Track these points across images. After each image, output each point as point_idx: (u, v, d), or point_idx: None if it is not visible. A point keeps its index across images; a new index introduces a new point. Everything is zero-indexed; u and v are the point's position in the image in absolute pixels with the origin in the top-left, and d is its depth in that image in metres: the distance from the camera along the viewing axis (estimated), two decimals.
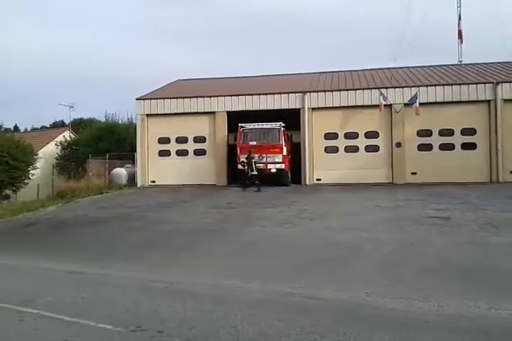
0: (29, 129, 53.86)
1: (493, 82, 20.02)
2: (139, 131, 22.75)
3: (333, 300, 5.55)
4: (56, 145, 30.13)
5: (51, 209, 15.56)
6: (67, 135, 31.98)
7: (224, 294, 5.98)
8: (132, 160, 23.39)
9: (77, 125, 37.29)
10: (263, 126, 20.00)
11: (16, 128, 55.78)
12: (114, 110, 60.37)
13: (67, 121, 39.99)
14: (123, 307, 5.55)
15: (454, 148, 20.19)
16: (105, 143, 26.74)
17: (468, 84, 20.38)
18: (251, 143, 19.53)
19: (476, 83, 20.33)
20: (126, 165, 23.63)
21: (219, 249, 8.77)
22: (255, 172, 18.46)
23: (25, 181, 23.81)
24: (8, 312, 5.53)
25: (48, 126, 54.45)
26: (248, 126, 20.06)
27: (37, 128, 52.33)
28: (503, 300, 5.26)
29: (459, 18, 27.42)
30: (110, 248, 9.41)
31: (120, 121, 32.16)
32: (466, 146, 20.11)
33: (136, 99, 22.97)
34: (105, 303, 5.77)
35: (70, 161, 28.63)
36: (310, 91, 21.43)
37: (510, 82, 20.09)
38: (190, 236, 10.02)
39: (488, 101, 19.88)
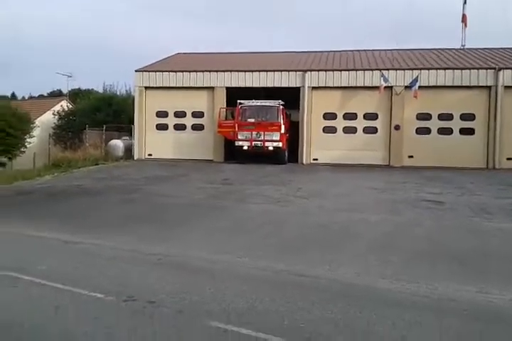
0: (26, 97, 53.35)
1: (495, 68, 19.88)
2: (136, 104, 22.56)
3: (323, 279, 5.62)
4: (53, 114, 29.88)
5: (47, 179, 15.56)
6: (64, 104, 31.66)
7: (216, 268, 6.05)
8: (129, 132, 23.27)
9: (75, 95, 36.90)
10: (262, 104, 19.89)
11: (13, 95, 55.10)
12: (113, 81, 59.71)
13: (64, 91, 39.60)
14: (116, 277, 5.62)
15: (452, 133, 20.19)
16: (102, 114, 26.48)
17: (469, 69, 20.23)
18: (249, 120, 19.46)
19: (478, 68, 20.18)
20: (123, 138, 23.51)
21: (212, 224, 8.83)
22: None
23: (22, 149, 23.74)
24: (0, 278, 5.59)
25: (45, 94, 53.94)
26: (247, 102, 19.93)
27: (34, 97, 51.83)
28: (491, 285, 5.34)
29: (464, 2, 26.99)
30: (105, 219, 9.45)
31: (118, 93, 31.83)
32: (464, 131, 20.11)
33: (136, 71, 22.70)
34: (98, 273, 5.83)
35: (67, 131, 28.40)
36: (311, 70, 21.23)
37: (511, 68, 19.96)
38: (184, 211, 10.08)
39: (489, 87, 19.79)
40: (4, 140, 22.29)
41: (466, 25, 26.44)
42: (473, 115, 20.08)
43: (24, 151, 23.75)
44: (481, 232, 8.09)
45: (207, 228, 8.51)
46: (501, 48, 24.29)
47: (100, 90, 33.81)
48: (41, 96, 50.96)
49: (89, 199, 11.71)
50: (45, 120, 29.28)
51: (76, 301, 4.80)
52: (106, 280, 5.48)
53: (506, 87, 19.61)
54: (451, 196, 11.66)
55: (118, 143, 22.64)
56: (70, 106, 31.81)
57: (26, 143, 23.81)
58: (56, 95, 44.92)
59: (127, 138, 23.46)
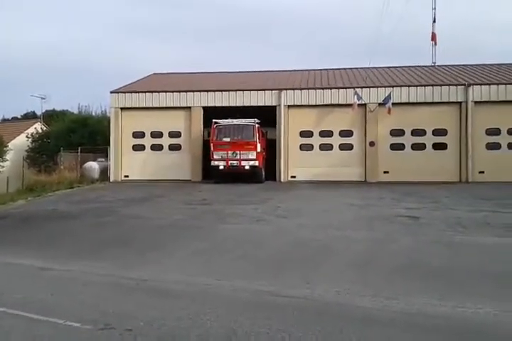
0: None
1: (464, 84, 20.47)
2: (112, 125, 22.44)
3: (303, 298, 5.60)
4: (27, 137, 29.48)
5: (20, 203, 15.25)
6: (38, 127, 31.31)
7: (195, 292, 5.97)
8: (105, 154, 23.05)
9: (49, 117, 36.48)
10: (237, 123, 19.95)
11: None
12: (88, 102, 59.28)
13: (38, 113, 39.18)
14: (92, 304, 5.49)
15: (425, 148, 20.61)
16: (77, 136, 26.15)
17: (440, 85, 20.81)
18: (224, 139, 19.48)
19: (449, 85, 20.78)
20: (98, 159, 23.27)
21: (190, 246, 8.74)
22: None
23: None
24: None
25: (19, 117, 53.19)
26: (222, 122, 20.00)
27: (8, 119, 51.00)
28: (467, 299, 5.40)
29: (434, 21, 27.90)
30: (80, 244, 9.28)
31: (94, 114, 31.57)
32: (437, 146, 20.55)
33: (111, 92, 22.65)
34: (74, 301, 5.69)
35: (41, 154, 28.02)
36: (286, 89, 21.50)
37: (481, 84, 20.59)
38: (162, 233, 9.97)
39: (460, 102, 20.35)
40: None
41: (436, 43, 27.28)
42: (446, 130, 20.56)
43: None
44: (456, 246, 8.19)
45: (185, 250, 8.42)
46: (470, 65, 25.11)
47: (75, 111, 33.50)
48: (15, 119, 50.22)
49: (63, 223, 11.49)
50: (19, 143, 28.85)
51: (52, 332, 4.66)
52: (82, 308, 5.35)
53: (476, 103, 20.18)
54: (426, 211, 11.81)
55: (93, 165, 22.40)
56: (44, 128, 31.44)
57: None
58: (30, 117, 44.37)
59: (103, 159, 23.22)
